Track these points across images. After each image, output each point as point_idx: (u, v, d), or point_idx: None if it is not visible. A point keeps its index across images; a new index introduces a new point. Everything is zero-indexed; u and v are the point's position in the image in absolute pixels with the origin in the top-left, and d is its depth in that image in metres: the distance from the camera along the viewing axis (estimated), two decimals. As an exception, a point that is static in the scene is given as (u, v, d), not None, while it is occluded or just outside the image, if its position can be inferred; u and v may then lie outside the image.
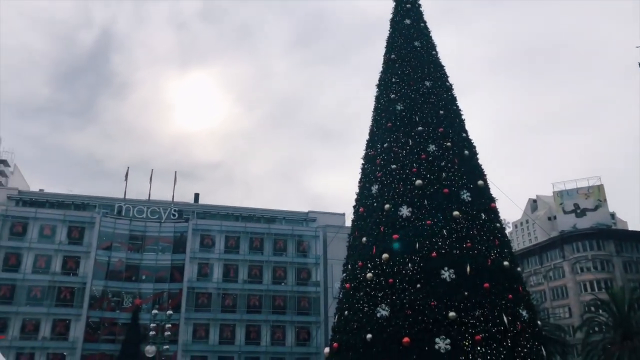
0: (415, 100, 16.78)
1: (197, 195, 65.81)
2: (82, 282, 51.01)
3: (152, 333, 30.53)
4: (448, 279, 13.19)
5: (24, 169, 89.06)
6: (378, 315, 13.17)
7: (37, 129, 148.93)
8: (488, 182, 16.05)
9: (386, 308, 13.17)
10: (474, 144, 16.75)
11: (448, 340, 12.24)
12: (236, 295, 54.26)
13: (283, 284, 55.94)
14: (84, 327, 49.45)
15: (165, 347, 30.37)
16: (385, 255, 13.94)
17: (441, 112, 16.64)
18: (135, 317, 50.54)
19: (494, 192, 15.91)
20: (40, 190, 64.64)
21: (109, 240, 53.94)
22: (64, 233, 52.71)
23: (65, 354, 48.64)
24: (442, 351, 12.12)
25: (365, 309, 13.59)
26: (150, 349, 29.89)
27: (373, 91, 18.20)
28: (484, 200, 15.24)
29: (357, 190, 16.58)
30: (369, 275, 13.98)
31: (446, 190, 14.78)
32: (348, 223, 18.33)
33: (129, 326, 50.27)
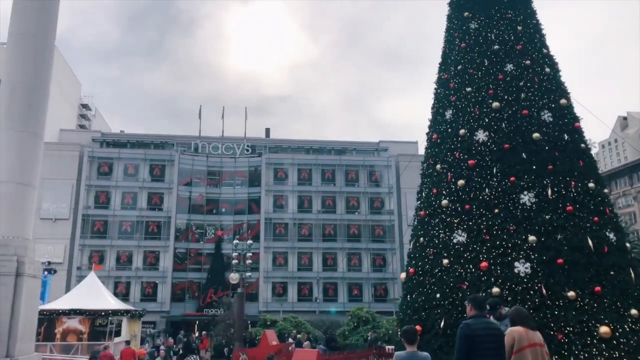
0: (490, 17, 15.85)
1: (268, 130, 67.35)
2: (167, 216, 54.91)
3: (234, 262, 32.67)
4: (528, 203, 13.00)
5: (103, 112, 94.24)
6: (454, 241, 13.34)
7: (111, 72, 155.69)
8: (572, 100, 15.19)
9: (462, 234, 13.27)
10: (555, 61, 15.74)
11: (528, 264, 12.26)
12: (311, 225, 56.35)
13: (357, 213, 57.22)
14: (172, 258, 53.82)
15: (248, 274, 32.49)
16: (460, 182, 13.86)
17: (519, 27, 15.65)
18: (218, 247, 54.35)
19: (578, 110, 15.05)
20: (121, 131, 68.73)
21: (188, 177, 57.17)
22: (146, 171, 56.34)
23: (157, 282, 53.50)
24: (521, 275, 12.21)
25: (441, 235, 13.77)
26: (234, 276, 32.14)
27: (444, 10, 17.38)
28: (567, 120, 14.52)
29: (430, 117, 16.31)
30: (445, 202, 14.02)
31: (525, 111, 14.21)
32: (421, 151, 18.22)
33: (213, 256, 54.24)
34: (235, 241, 34.11)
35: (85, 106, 73.22)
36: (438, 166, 14.84)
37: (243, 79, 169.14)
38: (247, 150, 58.99)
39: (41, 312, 22.62)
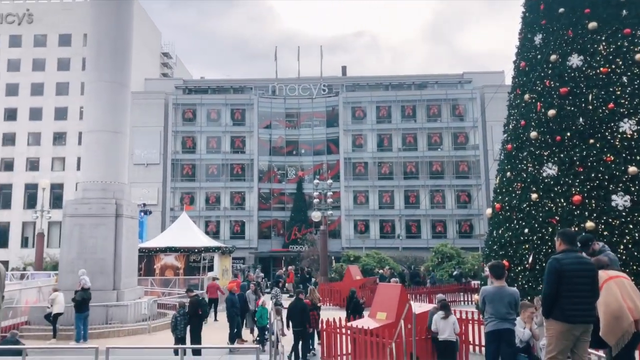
0: None
1: (344, 68, 66.25)
2: (250, 158, 56.77)
3: (315, 201, 33.39)
4: (629, 131, 11.98)
5: (183, 59, 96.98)
6: (544, 174, 12.70)
7: (186, 18, 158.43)
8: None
9: (553, 167, 12.59)
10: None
11: (627, 197, 11.46)
12: (392, 163, 55.94)
13: (439, 149, 55.91)
14: (257, 198, 56.05)
15: (329, 212, 33.19)
16: (551, 112, 12.99)
17: None
18: (299, 187, 55.76)
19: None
20: (201, 77, 70.63)
21: (267, 119, 58.25)
22: (227, 115, 58.04)
23: (244, 220, 56.23)
24: (619, 208, 11.46)
25: (530, 168, 13.16)
26: (316, 215, 32.99)
27: None
28: (678, 36, 12.96)
29: (518, 43, 15.21)
30: (533, 134, 13.28)
31: (627, 30, 12.83)
32: (508, 81, 17.17)
33: (295, 195, 55.83)
34: (316, 181, 34.70)
35: (166, 54, 75.59)
36: (526, 96, 13.99)
37: (317, 16, 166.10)
38: (324, 90, 58.72)
39: (141, 250, 24.75)
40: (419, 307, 12.58)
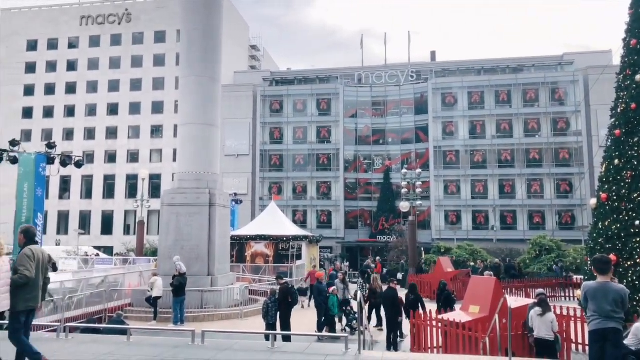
0: None
1: (433, 53, 64.68)
2: (335, 148, 57.21)
3: (404, 190, 33.00)
4: None
5: (270, 51, 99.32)
6: (659, 160, 11.67)
7: (273, 10, 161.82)
8: None
9: (670, 152, 11.54)
10: None
11: None
12: (485, 151, 53.94)
13: (537, 136, 53.05)
14: (343, 187, 56.45)
15: (418, 203, 32.68)
16: (668, 91, 11.89)
17: None
18: (386, 177, 55.40)
19: None
20: (288, 69, 72.05)
21: (353, 108, 58.29)
22: (313, 106, 58.84)
23: (330, 210, 56.90)
24: None
25: (642, 154, 12.15)
26: (404, 205, 32.60)
27: None
28: None
29: (627, 19, 14.02)
30: (646, 116, 12.23)
31: None
32: (616, 61, 15.89)
33: (382, 185, 55.56)
34: (404, 170, 34.25)
35: (254, 47, 77.95)
36: (638, 77, 12.89)
37: (403, 1, 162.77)
38: (412, 77, 57.68)
39: (232, 238, 25.89)
40: (514, 301, 12.11)
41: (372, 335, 13.09)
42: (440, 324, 11.90)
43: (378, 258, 37.47)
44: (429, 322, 12.16)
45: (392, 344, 13.41)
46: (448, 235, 50.30)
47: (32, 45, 66.57)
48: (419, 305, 14.12)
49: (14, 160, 18.17)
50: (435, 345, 11.96)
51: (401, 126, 57.46)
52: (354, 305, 13.77)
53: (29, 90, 65.57)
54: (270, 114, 59.40)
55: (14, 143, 18.71)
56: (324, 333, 14.66)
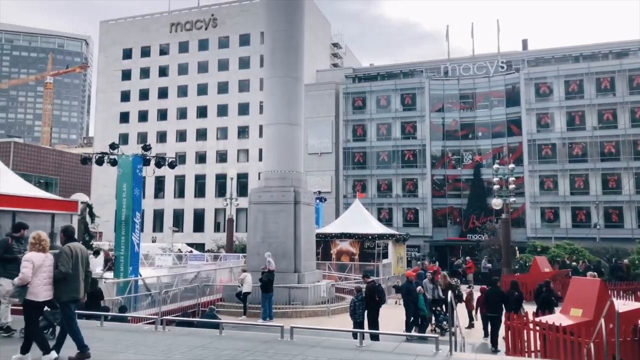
0: None
1: (525, 42, 61.62)
2: (421, 144, 56.19)
3: (495, 187, 31.71)
4: None
5: (352, 47, 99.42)
6: None
7: (353, 6, 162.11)
8: None
9: None
10: None
11: None
12: (585, 144, 50.64)
13: (646, 126, 49.03)
14: (430, 184, 55.33)
15: (512, 199, 31.26)
16: None
17: None
18: (476, 172, 53.63)
19: None
20: (370, 64, 71.77)
21: (439, 102, 56.94)
22: (397, 101, 58.16)
23: (417, 208, 55.98)
24: None
25: None
26: (496, 202, 31.32)
27: None
28: None
29: None
30: None
31: None
32: None
33: (472, 181, 53.84)
34: (495, 166, 32.89)
35: (335, 45, 78.44)
36: None
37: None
38: (502, 68, 55.35)
39: (317, 235, 26.24)
40: (622, 305, 11.29)
41: (464, 337, 12.71)
42: (538, 327, 11.35)
43: (468, 257, 36.37)
44: (525, 325, 11.64)
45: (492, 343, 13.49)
46: (545, 234, 47.75)
47: (127, 54, 71.28)
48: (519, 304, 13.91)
49: (113, 163, 19.53)
50: (533, 349, 11.43)
51: (491, 119, 55.30)
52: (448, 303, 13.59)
53: (125, 96, 70.32)
54: (353, 111, 59.47)
55: (113, 146, 20.13)
56: (413, 333, 14.46)
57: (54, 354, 7.24)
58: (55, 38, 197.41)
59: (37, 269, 7.26)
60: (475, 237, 48.97)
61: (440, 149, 56.39)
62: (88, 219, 17.50)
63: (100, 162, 19.90)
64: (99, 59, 74.38)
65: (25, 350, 7.34)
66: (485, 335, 14.98)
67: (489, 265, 31.88)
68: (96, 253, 18.12)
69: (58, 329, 8.60)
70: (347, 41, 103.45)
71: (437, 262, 37.14)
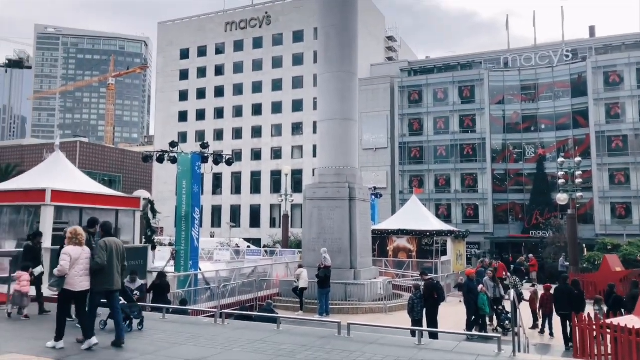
0: None
1: (592, 28, 58.84)
2: (481, 137, 54.78)
3: (561, 181, 30.48)
4: None
5: (407, 40, 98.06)
6: None
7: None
8: None
9: None
10: None
11: None
12: (661, 134, 47.89)
13: None
14: (490, 179, 53.86)
15: (579, 194, 29.97)
16: None
17: None
18: (539, 166, 51.76)
19: None
20: (427, 57, 70.61)
21: (500, 94, 55.28)
22: (455, 94, 56.94)
23: (477, 203, 54.66)
24: None
25: None
26: (561, 197, 30.11)
27: None
28: None
29: None
30: None
31: None
32: None
33: (535, 176, 52.00)
34: (560, 159, 31.60)
35: (390, 38, 77.63)
36: None
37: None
38: (567, 56, 53.08)
39: (373, 232, 26.11)
40: None
41: (528, 337, 12.31)
42: (609, 330, 10.83)
43: (531, 255, 35.19)
44: (595, 327, 11.14)
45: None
46: (615, 231, 45.53)
47: (185, 54, 73.35)
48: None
49: (173, 160, 20.16)
50: (603, 352, 10.92)
51: (555, 111, 53.15)
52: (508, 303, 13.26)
53: (183, 96, 72.45)
54: (409, 104, 58.73)
55: (173, 144, 20.78)
56: (474, 332, 14.14)
57: (94, 339, 7.76)
58: (117, 40, 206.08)
59: (74, 261, 7.83)
60: (539, 233, 47.40)
61: (500, 142, 54.76)
62: (150, 214, 18.18)
63: (160, 160, 20.58)
64: (158, 59, 76.98)
65: (88, 334, 7.89)
66: (549, 334, 14.61)
67: (567, 263, 30.71)
68: (153, 247, 18.77)
69: (135, 322, 9.01)
70: (402, 34, 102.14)
71: (500, 260, 36.15)
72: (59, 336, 7.82)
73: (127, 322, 9.11)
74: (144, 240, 21.10)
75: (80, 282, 7.87)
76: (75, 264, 7.85)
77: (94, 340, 7.79)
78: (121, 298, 9.20)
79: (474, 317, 15.13)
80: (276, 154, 65.95)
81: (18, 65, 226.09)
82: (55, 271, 7.88)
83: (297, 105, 65.30)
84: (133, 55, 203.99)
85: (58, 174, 14.72)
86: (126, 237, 15.70)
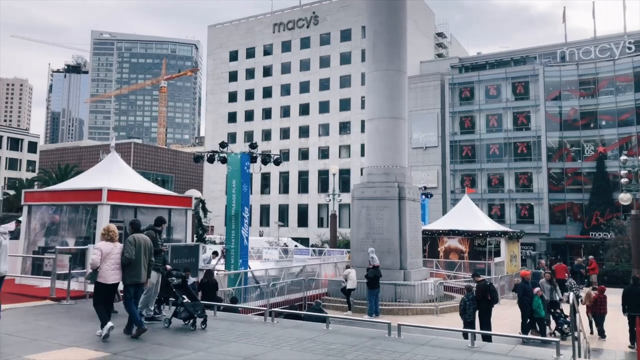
0: None
1: (656, 16, 56.08)
2: (536, 135, 53.14)
3: (623, 180, 29.14)
4: None
5: (457, 36, 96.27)
6: None
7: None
8: None
9: None
10: None
11: None
12: None
13: None
14: (546, 178, 52.16)
15: (643, 194, 28.56)
16: None
17: None
18: (600, 165, 49.71)
19: None
20: (478, 53, 69.17)
21: (556, 90, 53.42)
22: (508, 90, 55.47)
23: (532, 203, 53.03)
24: None
25: None
26: (624, 197, 28.77)
27: None
28: None
29: None
30: None
31: None
32: None
33: (595, 175, 49.95)
34: (623, 157, 30.18)
35: (440, 34, 76.48)
36: None
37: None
38: (630, 49, 50.74)
39: (424, 232, 25.75)
40: None
41: (589, 342, 11.84)
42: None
43: (591, 257, 33.82)
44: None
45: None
46: (683, 233, 43.12)
47: (234, 56, 74.69)
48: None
49: (223, 160, 20.55)
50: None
51: (617, 106, 50.85)
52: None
53: (232, 97, 73.80)
54: (460, 102, 57.67)
55: (222, 145, 21.18)
56: (530, 335, 13.72)
57: (109, 324, 8.24)
58: (168, 44, 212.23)
59: (105, 256, 8.41)
60: (599, 235, 45.54)
61: (557, 140, 52.92)
62: (201, 213, 18.57)
63: (211, 160, 21.02)
64: (208, 62, 78.73)
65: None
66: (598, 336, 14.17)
67: (581, 262, 29.50)
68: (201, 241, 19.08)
69: (199, 320, 9.21)
70: (452, 30, 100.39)
71: (560, 261, 34.94)
72: (103, 323, 8.28)
73: (191, 321, 9.27)
74: (195, 238, 21.60)
75: (111, 275, 8.41)
76: (107, 259, 8.39)
77: (108, 324, 8.24)
78: (184, 296, 9.42)
79: (529, 320, 14.70)
80: (323, 153, 66.17)
81: (76, 70, 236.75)
82: (88, 265, 8.47)
83: (345, 105, 65.29)
84: (184, 58, 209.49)
85: (114, 174, 15.25)
86: (178, 235, 16.11)
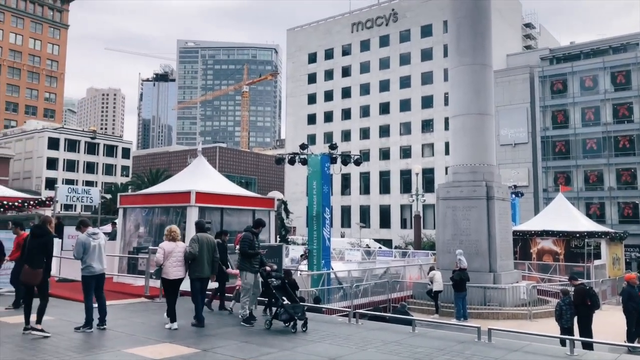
0: None
1: None
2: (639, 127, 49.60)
3: None
4: None
5: (548, 25, 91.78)
6: None
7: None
8: None
9: None
10: None
11: None
12: None
13: None
14: (653, 175, 48.45)
15: None
16: None
17: None
18: None
19: None
20: (571, 43, 65.54)
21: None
22: (607, 81, 52.15)
23: (637, 202, 49.45)
24: None
25: None
26: None
27: None
28: None
29: None
30: None
31: None
32: None
33: None
34: None
35: (528, 25, 73.34)
36: None
37: None
38: None
39: (515, 233, 24.74)
40: None
41: None
42: None
43: None
44: None
45: None
46: None
47: (312, 58, 75.65)
48: None
49: (304, 162, 20.88)
50: None
51: None
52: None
53: (311, 99, 74.77)
54: (552, 95, 54.91)
55: (303, 147, 21.51)
56: (636, 344, 12.75)
57: (175, 324, 9.04)
58: (249, 50, 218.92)
59: (167, 254, 9.23)
60: None
61: (664, 132, 49.02)
62: (283, 214, 18.94)
63: (292, 161, 21.42)
64: (287, 65, 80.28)
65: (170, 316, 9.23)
66: None
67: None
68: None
69: (300, 322, 9.30)
70: (541, 20, 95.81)
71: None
72: (172, 319, 9.07)
73: (292, 323, 9.28)
74: (278, 239, 22.07)
75: (174, 271, 9.25)
76: (170, 256, 9.22)
77: (174, 325, 9.04)
78: (284, 298, 9.54)
79: (635, 328, 13.66)
80: (405, 152, 65.40)
81: (164, 78, 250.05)
82: (153, 263, 9.38)
83: (427, 102, 64.18)
84: (264, 62, 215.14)
85: (201, 177, 15.94)
86: (262, 236, 16.45)
